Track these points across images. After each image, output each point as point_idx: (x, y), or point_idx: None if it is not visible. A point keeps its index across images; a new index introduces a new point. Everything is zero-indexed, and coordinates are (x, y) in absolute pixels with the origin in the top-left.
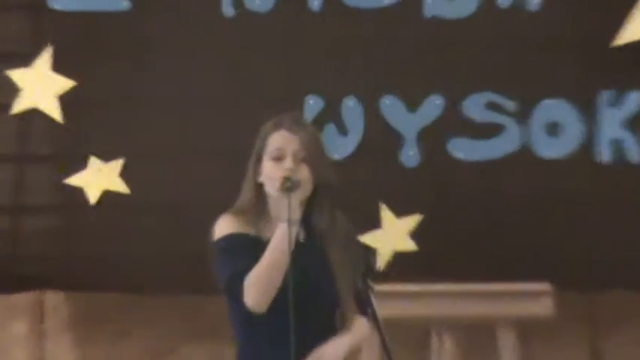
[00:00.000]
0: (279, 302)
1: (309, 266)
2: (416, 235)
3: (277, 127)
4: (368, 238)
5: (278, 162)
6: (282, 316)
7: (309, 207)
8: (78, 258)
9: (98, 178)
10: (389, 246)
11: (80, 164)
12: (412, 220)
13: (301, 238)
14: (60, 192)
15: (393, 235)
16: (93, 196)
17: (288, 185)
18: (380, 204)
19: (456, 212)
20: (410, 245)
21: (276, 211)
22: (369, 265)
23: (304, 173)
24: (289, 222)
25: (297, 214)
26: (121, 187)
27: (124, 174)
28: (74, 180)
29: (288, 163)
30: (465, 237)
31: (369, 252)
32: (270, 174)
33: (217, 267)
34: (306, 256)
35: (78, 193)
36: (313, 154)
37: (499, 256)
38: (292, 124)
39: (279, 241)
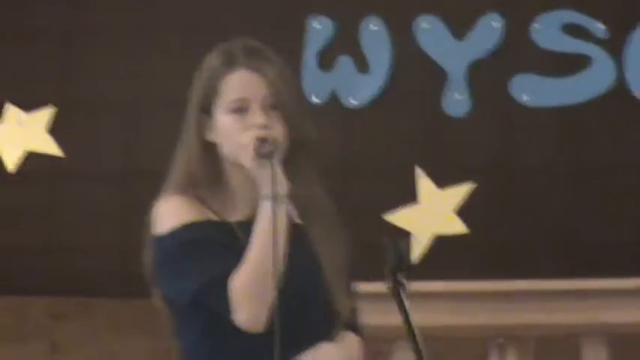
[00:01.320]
0: None
1: (303, 260)
2: (466, 212)
3: (230, 64)
4: (399, 218)
5: (240, 115)
6: (263, 333)
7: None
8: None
9: (19, 135)
10: (429, 228)
11: None
12: (460, 192)
13: (295, 217)
14: None
15: (434, 212)
16: (10, 161)
17: (268, 150)
18: (415, 169)
19: (522, 181)
20: (457, 227)
21: (240, 183)
22: (399, 255)
23: (280, 129)
24: (275, 198)
25: (284, 187)
26: (52, 147)
27: (56, 130)
28: None
29: (257, 116)
30: (536, 217)
31: (401, 237)
32: (233, 133)
33: (172, 273)
34: (302, 244)
35: None
36: (285, 99)
37: (583, 242)
38: (250, 57)
39: (267, 226)
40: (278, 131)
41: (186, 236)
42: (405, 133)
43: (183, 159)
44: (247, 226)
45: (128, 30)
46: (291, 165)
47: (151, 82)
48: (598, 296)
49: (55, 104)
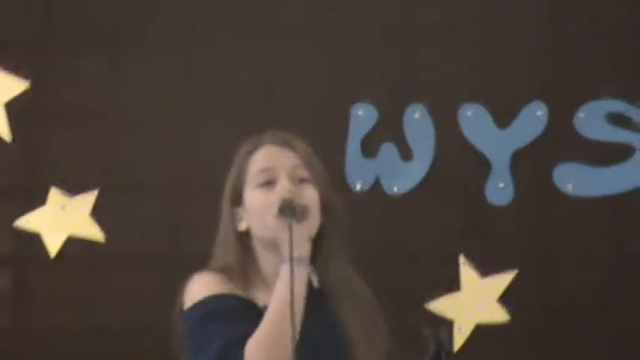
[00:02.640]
0: None
1: (320, 327)
2: (509, 300)
3: (257, 145)
4: (441, 304)
5: (268, 188)
6: None
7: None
8: (35, 331)
9: (61, 220)
10: (470, 315)
11: (36, 199)
12: (503, 281)
13: (315, 282)
14: (9, 239)
15: (476, 300)
16: (52, 246)
17: (292, 208)
18: (459, 257)
19: (566, 269)
20: (500, 315)
21: (272, 269)
22: (440, 343)
23: (311, 196)
24: (294, 260)
25: (304, 250)
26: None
27: (97, 213)
28: (27, 222)
29: (285, 183)
30: (582, 305)
31: (442, 325)
32: (261, 207)
33: (198, 338)
34: (320, 310)
35: (33, 240)
36: (317, 172)
37: (628, 336)
38: (277, 138)
39: (284, 289)
40: (309, 198)
41: (211, 307)
42: (447, 221)
43: (219, 250)
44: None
45: (169, 115)
46: (324, 242)
47: (193, 166)
48: None
49: (99, 188)
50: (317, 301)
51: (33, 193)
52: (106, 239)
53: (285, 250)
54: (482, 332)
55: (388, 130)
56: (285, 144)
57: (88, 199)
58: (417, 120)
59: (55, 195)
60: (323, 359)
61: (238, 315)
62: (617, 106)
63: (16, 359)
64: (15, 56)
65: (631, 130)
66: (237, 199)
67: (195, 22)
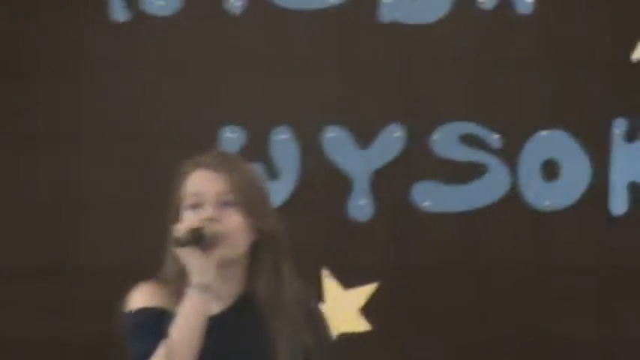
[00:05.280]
0: None
1: (225, 347)
2: (369, 311)
3: (194, 166)
4: None
5: (195, 210)
6: None
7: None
8: None
9: None
10: (334, 326)
11: None
12: (364, 292)
13: (216, 308)
14: None
15: (339, 311)
16: None
17: (183, 237)
18: (322, 271)
19: (422, 281)
20: (361, 325)
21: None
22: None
23: (232, 222)
24: (198, 286)
25: (208, 277)
26: None
27: None
28: None
29: (206, 210)
30: (435, 315)
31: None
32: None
33: (127, 345)
34: (221, 333)
35: None
36: (245, 196)
37: (481, 339)
38: (214, 160)
39: (183, 315)
40: (230, 226)
41: (136, 319)
42: (311, 237)
43: (166, 258)
44: (219, 318)
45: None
46: (258, 259)
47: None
48: None
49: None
50: (247, 314)
51: None
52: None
53: (192, 278)
54: (345, 341)
55: (255, 151)
56: (218, 168)
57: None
58: (283, 141)
59: None
60: None
61: (156, 330)
62: (470, 127)
63: None
64: None
65: (483, 151)
66: (177, 216)
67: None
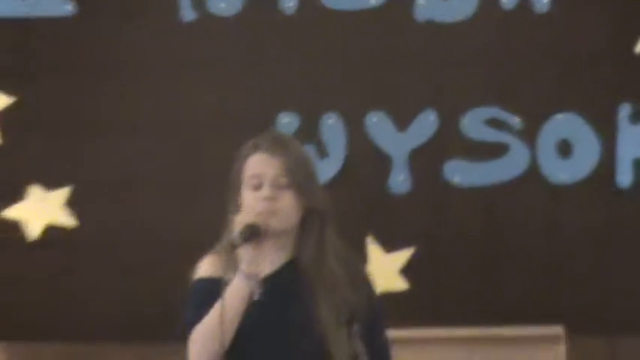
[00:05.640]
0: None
1: (273, 304)
2: (407, 272)
3: (254, 149)
4: None
5: (255, 190)
6: None
7: (303, 236)
8: (16, 303)
9: (40, 210)
10: (377, 285)
11: (19, 194)
12: (403, 256)
13: (255, 295)
14: None
15: (381, 272)
16: (34, 231)
17: (246, 234)
18: (366, 237)
19: (453, 246)
20: (400, 284)
21: (265, 245)
22: (354, 308)
23: (285, 201)
24: (245, 275)
25: (255, 268)
26: (66, 219)
27: (70, 204)
28: (12, 212)
29: (265, 191)
30: (464, 275)
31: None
32: (250, 206)
33: (182, 311)
34: (269, 292)
35: (16, 227)
36: (297, 178)
37: (504, 296)
38: (272, 144)
39: (233, 296)
40: (283, 206)
41: (194, 288)
42: (357, 208)
43: (226, 230)
44: (269, 278)
45: (130, 114)
46: (305, 230)
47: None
48: (515, 341)
49: (70, 184)
50: (293, 276)
51: (16, 188)
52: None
53: (242, 266)
54: (386, 298)
55: (307, 134)
56: (275, 152)
57: (62, 192)
58: (331, 125)
59: (33, 190)
60: (294, 338)
61: (207, 301)
62: (494, 112)
63: None
64: (6, 78)
65: (506, 132)
66: (238, 191)
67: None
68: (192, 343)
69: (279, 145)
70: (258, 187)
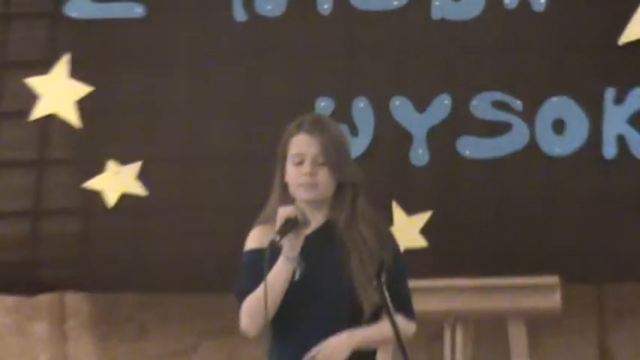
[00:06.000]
0: (288, 312)
1: (323, 262)
2: (426, 232)
3: (297, 129)
4: None
5: (298, 166)
6: (288, 322)
7: (337, 203)
8: (97, 260)
9: (116, 182)
10: (401, 243)
11: (98, 168)
12: (422, 218)
13: (297, 275)
14: (79, 196)
15: (404, 232)
16: (111, 199)
17: (280, 230)
18: (391, 202)
19: (465, 210)
20: (421, 242)
21: (306, 209)
22: (381, 263)
23: (322, 176)
24: (287, 259)
25: (295, 252)
26: (138, 189)
27: (142, 177)
28: (92, 184)
29: (305, 167)
30: (474, 233)
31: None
32: (292, 179)
33: (236, 281)
34: (310, 248)
35: (96, 196)
36: (332, 157)
37: (508, 251)
38: (312, 126)
39: (276, 276)
40: (321, 180)
41: (245, 259)
42: (384, 178)
43: (271, 196)
44: (309, 236)
45: (192, 100)
46: (339, 200)
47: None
48: (517, 289)
49: (142, 159)
50: (329, 236)
51: (96, 164)
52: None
53: (284, 251)
54: (408, 254)
55: (341, 115)
56: (314, 134)
57: (135, 166)
58: (362, 108)
59: (110, 165)
60: (328, 288)
61: (257, 271)
62: (499, 96)
63: (80, 282)
64: (85, 70)
65: (509, 113)
66: (284, 161)
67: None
68: (242, 315)
69: (318, 127)
70: (300, 164)
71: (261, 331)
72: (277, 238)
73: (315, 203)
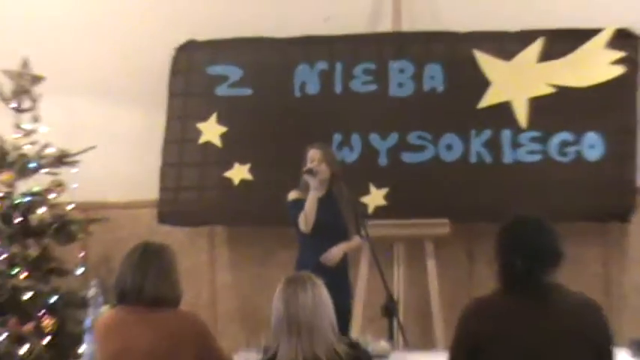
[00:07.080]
0: (315, 228)
1: (327, 210)
2: (386, 197)
3: (310, 147)
4: (364, 199)
5: (312, 162)
6: (315, 236)
7: (330, 184)
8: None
9: (238, 171)
10: (373, 203)
11: (229, 163)
12: (384, 191)
13: (319, 194)
14: None
15: (375, 198)
16: (237, 181)
17: (308, 171)
18: (369, 183)
19: (409, 187)
20: (383, 202)
21: (320, 183)
22: (363, 211)
23: (323, 168)
24: (313, 189)
25: (316, 185)
26: (247, 176)
27: (251, 171)
28: (227, 173)
29: (314, 162)
30: (414, 198)
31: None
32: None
33: (290, 212)
34: (325, 205)
35: (229, 181)
36: (327, 159)
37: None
38: (317, 145)
39: (311, 199)
40: (323, 168)
41: (290, 204)
42: (365, 172)
43: (302, 179)
44: (320, 199)
45: None
46: (332, 181)
47: None
48: (431, 225)
49: None
50: (329, 201)
51: (228, 162)
52: None
53: (310, 185)
54: (376, 209)
55: (343, 143)
56: (319, 150)
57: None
58: (356, 139)
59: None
60: (326, 226)
61: (299, 207)
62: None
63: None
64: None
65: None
66: (305, 163)
67: None
68: (300, 222)
69: (320, 146)
70: (312, 161)
71: (310, 229)
72: (306, 172)
73: (319, 182)
